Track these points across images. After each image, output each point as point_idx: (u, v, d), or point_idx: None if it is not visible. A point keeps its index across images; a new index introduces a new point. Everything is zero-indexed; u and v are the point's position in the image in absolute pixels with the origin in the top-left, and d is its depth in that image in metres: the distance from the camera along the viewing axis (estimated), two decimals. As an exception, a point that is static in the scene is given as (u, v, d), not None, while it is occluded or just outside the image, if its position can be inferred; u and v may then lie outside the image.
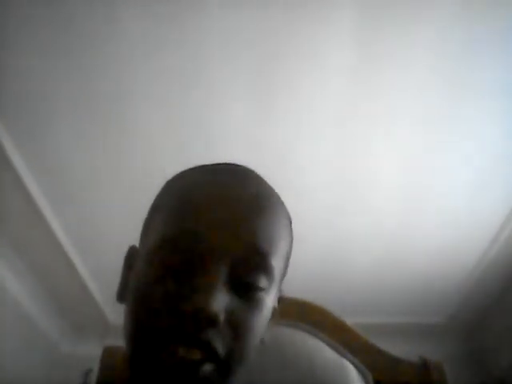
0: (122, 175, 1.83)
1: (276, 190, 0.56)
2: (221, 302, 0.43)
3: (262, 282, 0.47)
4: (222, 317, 0.43)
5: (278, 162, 1.80)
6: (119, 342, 0.76)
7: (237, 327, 0.44)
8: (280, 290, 0.55)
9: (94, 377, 0.76)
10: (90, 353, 1.35)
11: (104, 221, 2.01)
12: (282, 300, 0.56)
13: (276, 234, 0.49)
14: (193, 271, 0.44)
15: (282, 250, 0.51)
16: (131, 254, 0.56)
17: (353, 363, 0.71)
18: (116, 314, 2.46)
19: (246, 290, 0.46)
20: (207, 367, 0.43)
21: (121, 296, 0.53)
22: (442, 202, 1.97)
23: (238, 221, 0.46)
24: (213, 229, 0.45)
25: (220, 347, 0.43)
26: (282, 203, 0.55)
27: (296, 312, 0.76)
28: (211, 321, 0.42)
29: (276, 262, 0.48)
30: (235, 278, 0.45)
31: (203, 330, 0.42)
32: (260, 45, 1.45)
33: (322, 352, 0.71)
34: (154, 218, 0.53)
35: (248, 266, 0.46)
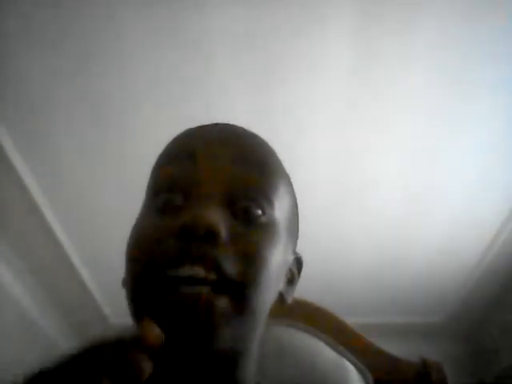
0: (122, 175, 1.83)
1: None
2: (218, 215, 0.39)
3: (263, 204, 0.43)
4: (223, 231, 0.38)
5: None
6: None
7: (246, 249, 0.39)
8: (296, 252, 0.51)
9: (93, 377, 0.76)
10: (89, 353, 1.35)
11: (104, 221, 2.01)
12: (301, 263, 0.52)
13: (273, 168, 0.47)
14: (184, 198, 0.42)
15: (284, 186, 0.47)
16: None
17: (353, 363, 0.71)
18: (116, 314, 2.46)
19: (247, 213, 0.42)
20: (219, 300, 0.37)
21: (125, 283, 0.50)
22: (442, 201, 1.97)
23: (225, 139, 0.45)
24: (202, 151, 0.44)
25: (227, 266, 0.38)
26: (279, 158, 0.53)
27: (296, 312, 0.76)
28: (210, 231, 0.37)
29: (278, 183, 0.46)
30: (232, 199, 0.42)
31: (204, 243, 0.37)
32: (260, 44, 1.45)
33: (322, 352, 0.71)
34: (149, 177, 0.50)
35: (243, 186, 0.42)
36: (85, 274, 2.24)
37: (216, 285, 0.37)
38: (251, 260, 0.40)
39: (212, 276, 0.37)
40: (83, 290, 2.32)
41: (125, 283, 0.45)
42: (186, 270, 0.37)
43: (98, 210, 1.97)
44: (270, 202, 0.43)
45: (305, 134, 1.72)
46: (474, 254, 2.20)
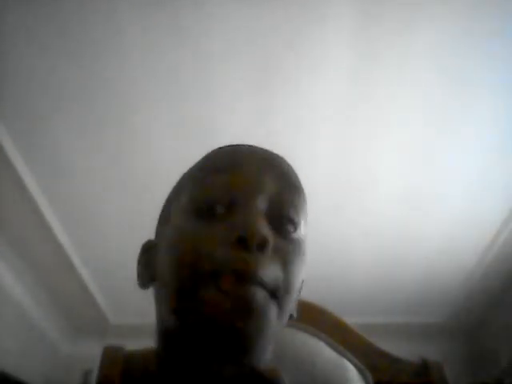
0: (122, 175, 1.83)
1: None
2: (267, 228, 0.42)
3: (299, 222, 0.46)
4: (272, 243, 0.41)
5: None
6: (119, 341, 0.76)
7: (283, 260, 0.43)
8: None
9: (93, 377, 0.76)
10: (89, 353, 1.35)
11: (104, 221, 2.01)
12: (303, 283, 0.55)
13: (303, 192, 0.50)
14: (230, 205, 0.44)
15: (306, 214, 0.50)
16: (149, 247, 0.54)
17: (353, 363, 0.71)
18: (116, 314, 2.46)
19: (285, 228, 0.45)
20: (260, 294, 0.40)
21: (144, 283, 0.51)
22: (442, 201, 1.97)
23: (267, 158, 0.48)
24: (241, 166, 0.46)
25: (268, 277, 0.41)
26: None
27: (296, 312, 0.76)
28: (262, 243, 0.40)
29: (304, 214, 0.49)
30: (274, 213, 0.45)
31: (255, 257, 0.40)
32: (260, 44, 1.45)
33: (322, 352, 0.71)
34: (176, 199, 0.51)
35: (284, 202, 0.46)
36: (85, 274, 2.24)
37: (267, 290, 0.41)
38: (288, 271, 0.43)
39: (258, 291, 0.40)
40: (83, 290, 2.32)
41: (162, 286, 0.46)
42: (226, 284, 0.40)
43: (98, 210, 1.97)
44: (300, 222, 0.47)
45: (305, 134, 1.72)
46: (474, 254, 2.20)
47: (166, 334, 0.47)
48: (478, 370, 2.55)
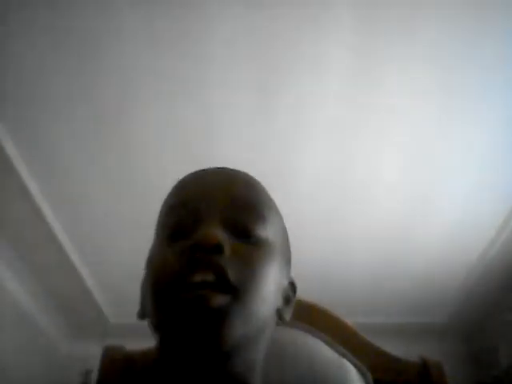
0: (122, 175, 1.83)
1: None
2: (222, 234, 0.46)
3: (257, 227, 0.50)
4: (226, 246, 0.45)
5: (277, 162, 1.80)
6: (119, 341, 0.76)
7: (244, 260, 0.46)
8: (290, 277, 0.58)
9: (93, 377, 0.76)
10: (89, 353, 1.35)
11: (104, 221, 2.01)
12: (295, 288, 0.58)
13: (261, 198, 0.54)
14: (190, 226, 0.49)
15: (272, 216, 0.54)
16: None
17: (353, 363, 0.71)
18: (116, 314, 2.46)
19: (243, 235, 0.49)
20: (221, 297, 0.43)
21: (141, 315, 0.55)
22: (442, 202, 1.97)
23: (222, 183, 0.53)
24: (198, 193, 0.52)
25: (231, 273, 0.44)
26: (271, 197, 0.59)
27: (296, 312, 0.76)
28: (216, 246, 0.44)
29: (268, 217, 0.52)
30: (230, 223, 0.49)
31: (212, 255, 0.44)
32: (259, 44, 1.45)
33: (322, 352, 0.71)
34: (156, 230, 0.57)
35: (238, 213, 0.50)
36: (85, 274, 2.24)
37: (221, 287, 0.44)
38: (250, 270, 0.46)
39: (219, 280, 0.44)
40: (83, 290, 2.32)
41: (142, 314, 0.53)
42: (199, 276, 0.43)
43: (98, 210, 1.97)
44: (263, 227, 0.51)
45: (305, 134, 1.72)
46: (474, 254, 2.20)
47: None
48: (478, 370, 2.55)
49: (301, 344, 0.71)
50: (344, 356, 0.72)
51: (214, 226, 0.47)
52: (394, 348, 0.78)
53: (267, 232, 0.51)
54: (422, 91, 1.57)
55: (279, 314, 0.52)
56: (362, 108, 1.63)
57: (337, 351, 0.72)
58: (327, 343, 0.73)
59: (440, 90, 1.56)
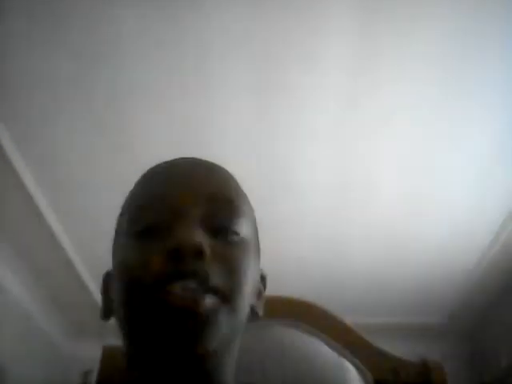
0: (122, 175, 1.83)
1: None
2: (201, 237, 0.44)
3: (234, 225, 0.48)
4: (207, 249, 0.43)
5: (277, 162, 1.80)
6: (119, 341, 0.76)
7: (226, 262, 0.45)
8: (260, 269, 0.56)
9: (93, 377, 0.76)
10: (89, 353, 1.35)
11: (104, 221, 2.01)
12: (265, 280, 0.57)
13: (237, 191, 0.53)
14: (166, 226, 0.46)
15: (247, 209, 0.53)
16: (108, 278, 0.58)
17: (353, 363, 0.71)
18: (116, 314, 2.46)
19: (222, 232, 0.47)
20: (209, 299, 0.42)
21: (105, 314, 0.55)
22: (441, 202, 1.97)
23: (198, 178, 0.50)
24: (175, 187, 0.49)
25: (214, 278, 0.43)
26: (239, 183, 0.57)
27: (296, 312, 0.76)
28: (197, 251, 0.42)
29: (244, 212, 0.51)
30: (208, 223, 0.47)
31: (192, 262, 0.42)
32: (259, 44, 1.45)
33: (322, 352, 0.71)
34: (119, 224, 0.54)
35: (216, 210, 0.48)
36: (85, 273, 2.24)
37: (206, 290, 0.42)
38: (232, 272, 0.45)
39: (202, 286, 0.42)
40: (83, 290, 2.32)
41: (108, 313, 0.52)
42: (178, 288, 0.41)
43: (98, 210, 1.96)
44: (241, 223, 0.49)
45: (305, 134, 1.72)
46: (474, 254, 2.20)
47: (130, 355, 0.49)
48: (478, 370, 2.55)
49: (301, 344, 0.71)
50: (344, 356, 0.72)
51: (192, 226, 0.45)
52: (394, 348, 0.78)
53: (243, 228, 0.50)
54: (422, 92, 1.57)
55: (253, 309, 0.52)
56: (362, 108, 1.63)
57: (337, 351, 0.72)
58: (327, 343, 0.73)
59: (440, 90, 1.56)
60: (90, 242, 2.11)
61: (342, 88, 1.56)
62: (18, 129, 1.62)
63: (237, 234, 0.48)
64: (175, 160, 0.55)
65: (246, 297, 0.47)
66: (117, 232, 0.54)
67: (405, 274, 2.31)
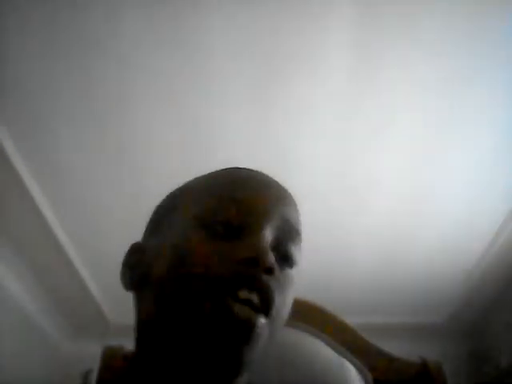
0: (122, 175, 1.83)
1: None
2: (273, 256, 0.44)
3: (297, 254, 0.50)
4: (277, 269, 0.44)
5: (277, 163, 1.80)
6: (119, 341, 0.76)
7: (281, 285, 0.46)
8: None
9: (94, 377, 0.76)
10: (89, 353, 1.35)
11: (104, 221, 2.01)
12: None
13: (300, 220, 0.53)
14: (242, 228, 0.46)
15: (301, 245, 0.53)
16: (137, 250, 0.54)
17: (353, 363, 0.71)
18: (116, 314, 2.46)
19: (285, 259, 0.48)
20: (262, 320, 0.42)
21: (130, 285, 0.52)
22: (441, 202, 1.97)
23: (277, 198, 0.51)
24: (261, 194, 0.49)
25: (275, 296, 0.44)
26: None
27: (296, 312, 0.76)
28: (269, 268, 0.43)
29: (300, 247, 0.51)
30: (278, 243, 0.48)
31: (262, 276, 0.43)
32: (259, 44, 1.45)
33: (322, 352, 0.71)
34: (178, 212, 0.52)
35: (287, 236, 0.49)
36: (85, 274, 2.24)
37: (263, 310, 0.43)
38: (282, 297, 0.46)
39: (263, 306, 0.43)
40: (83, 290, 2.32)
41: (135, 284, 0.49)
42: (245, 294, 0.42)
43: (98, 210, 1.96)
44: (300, 253, 0.51)
45: (305, 134, 1.71)
46: (474, 254, 2.20)
47: (148, 340, 0.47)
48: (477, 370, 2.54)
49: (301, 344, 0.71)
50: (344, 356, 0.72)
51: (267, 243, 0.45)
52: (394, 348, 0.78)
53: (300, 257, 0.51)
54: (422, 91, 1.57)
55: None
56: (361, 108, 1.63)
57: (337, 351, 0.72)
58: (327, 343, 0.73)
59: (440, 89, 1.56)
60: (90, 242, 2.11)
61: (343, 89, 1.56)
62: (18, 128, 1.62)
63: (294, 263, 0.49)
64: (253, 171, 0.55)
65: (283, 325, 0.48)
66: (171, 215, 0.52)
67: (404, 273, 2.31)
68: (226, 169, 0.55)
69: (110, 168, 1.80)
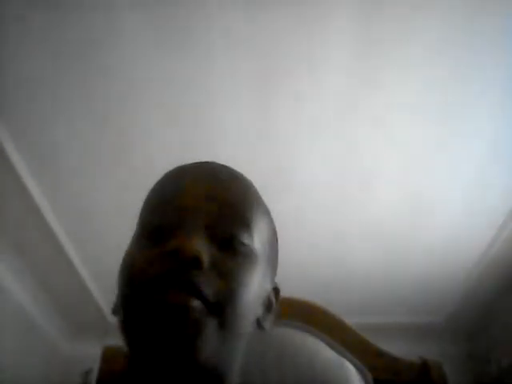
0: (122, 176, 1.83)
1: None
2: (202, 245, 0.44)
3: (242, 235, 0.48)
4: (205, 259, 0.43)
5: (277, 162, 1.80)
6: (119, 341, 0.76)
7: (225, 274, 0.44)
8: (274, 282, 0.55)
9: (93, 377, 0.76)
10: (89, 353, 1.35)
11: (104, 221, 2.01)
12: (278, 293, 0.56)
13: (250, 202, 0.51)
14: (171, 229, 0.46)
15: (260, 221, 0.52)
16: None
17: (353, 363, 0.71)
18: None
19: (228, 243, 0.46)
20: (197, 303, 0.41)
21: (113, 311, 0.53)
22: (442, 201, 1.97)
23: (210, 183, 0.50)
24: (183, 191, 0.49)
25: (208, 290, 0.42)
26: (259, 193, 0.56)
27: (296, 312, 0.76)
28: (194, 259, 0.42)
29: (256, 223, 0.50)
30: (213, 231, 0.46)
31: (188, 270, 0.42)
32: (259, 44, 1.45)
33: (322, 352, 0.71)
34: (136, 225, 0.54)
35: (223, 219, 0.47)
36: (85, 274, 2.24)
37: (205, 305, 0.42)
38: (229, 286, 0.44)
39: (194, 303, 0.42)
40: (83, 290, 2.32)
41: (116, 309, 0.49)
42: (173, 297, 0.41)
43: (98, 210, 1.97)
44: (250, 233, 0.48)
45: (305, 134, 1.72)
46: (474, 254, 2.20)
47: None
48: (478, 370, 2.55)
49: (301, 344, 0.71)
50: (344, 356, 0.72)
51: (195, 233, 0.45)
52: (394, 348, 0.78)
53: (253, 241, 0.49)
54: (423, 91, 1.57)
55: (259, 323, 0.51)
56: (361, 107, 1.63)
57: (337, 351, 0.72)
58: (327, 343, 0.73)
59: (440, 89, 1.56)
60: (90, 243, 2.11)
61: (343, 89, 1.56)
62: (18, 129, 1.62)
63: (244, 244, 0.47)
64: (189, 164, 0.55)
65: (246, 310, 0.46)
66: (134, 233, 0.54)
67: (404, 273, 2.31)
68: (174, 168, 0.56)
69: (109, 168, 1.81)
